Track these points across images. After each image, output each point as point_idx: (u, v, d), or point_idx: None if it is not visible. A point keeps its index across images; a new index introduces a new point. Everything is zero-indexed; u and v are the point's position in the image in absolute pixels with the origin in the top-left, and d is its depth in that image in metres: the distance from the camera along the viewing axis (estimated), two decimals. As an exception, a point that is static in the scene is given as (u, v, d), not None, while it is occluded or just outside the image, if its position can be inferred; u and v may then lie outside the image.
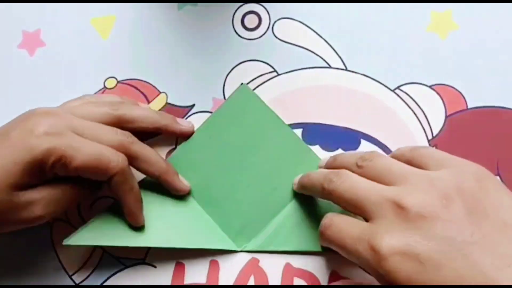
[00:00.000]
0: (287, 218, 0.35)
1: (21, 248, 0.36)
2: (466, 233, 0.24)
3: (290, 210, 0.35)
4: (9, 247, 0.36)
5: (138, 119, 0.34)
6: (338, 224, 0.28)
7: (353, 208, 0.28)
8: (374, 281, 0.27)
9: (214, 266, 0.36)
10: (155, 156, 0.34)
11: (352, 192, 0.28)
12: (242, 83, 0.38)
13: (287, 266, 0.35)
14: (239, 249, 0.36)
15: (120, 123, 0.33)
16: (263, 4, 0.39)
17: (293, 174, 0.35)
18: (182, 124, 0.37)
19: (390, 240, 0.24)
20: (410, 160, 0.29)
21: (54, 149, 0.29)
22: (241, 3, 0.39)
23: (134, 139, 0.33)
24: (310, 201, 0.35)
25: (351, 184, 0.28)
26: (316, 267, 0.35)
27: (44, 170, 0.30)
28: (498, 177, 0.36)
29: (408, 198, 0.25)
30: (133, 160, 0.33)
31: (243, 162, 0.36)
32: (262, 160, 0.36)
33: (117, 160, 0.31)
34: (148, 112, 0.35)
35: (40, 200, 0.31)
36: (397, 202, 0.25)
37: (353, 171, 0.29)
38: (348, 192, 0.28)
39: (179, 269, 0.36)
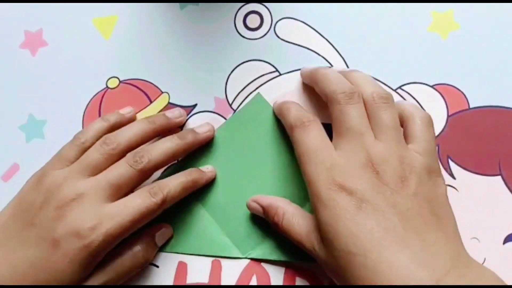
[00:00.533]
0: None
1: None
2: (404, 208, 0.28)
3: None
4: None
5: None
6: (312, 134, 0.32)
7: (339, 128, 0.32)
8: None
9: (216, 266, 0.36)
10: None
11: (350, 119, 0.31)
12: (258, 93, 0.38)
13: (289, 265, 0.35)
14: (243, 256, 0.36)
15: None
16: (265, 4, 0.39)
17: (302, 185, 0.35)
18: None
19: (350, 182, 0.29)
20: (406, 119, 0.33)
21: (106, 236, 0.31)
22: (243, 3, 0.39)
23: (144, 157, 0.33)
24: None
25: (356, 111, 0.31)
26: (318, 267, 0.35)
27: (101, 256, 0.31)
28: (499, 177, 0.36)
29: (380, 164, 0.29)
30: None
31: (253, 169, 0.36)
32: (272, 169, 0.36)
33: (155, 201, 0.32)
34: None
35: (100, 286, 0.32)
36: (372, 159, 0.30)
37: (367, 97, 0.32)
38: (348, 116, 0.31)
39: (181, 269, 0.36)
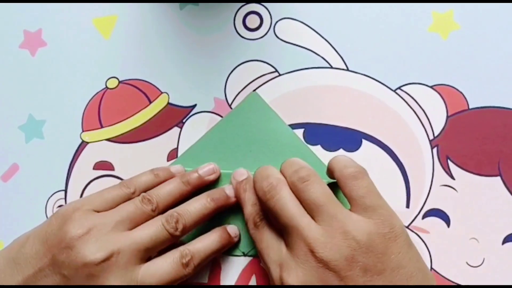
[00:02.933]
0: None
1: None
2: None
3: None
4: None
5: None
6: (264, 235, 0.32)
7: (278, 224, 0.31)
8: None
9: (216, 266, 0.36)
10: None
11: (281, 213, 0.31)
12: (254, 91, 0.38)
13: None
14: (242, 254, 0.36)
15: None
16: (265, 4, 0.39)
17: None
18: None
19: (295, 279, 0.29)
20: (343, 187, 0.31)
21: None
22: (243, 4, 0.39)
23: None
24: None
25: (282, 204, 0.31)
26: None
27: None
28: (499, 177, 0.36)
29: (322, 248, 0.29)
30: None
31: (249, 168, 0.36)
32: (258, 161, 0.36)
33: (187, 272, 0.32)
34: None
35: None
36: (312, 247, 0.29)
37: (289, 183, 0.32)
38: (278, 211, 0.31)
39: (181, 269, 0.36)
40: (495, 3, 0.37)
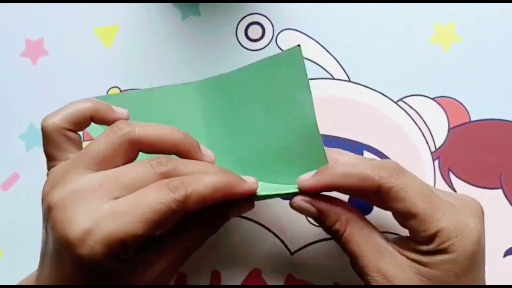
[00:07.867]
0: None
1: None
2: None
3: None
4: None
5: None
6: None
7: None
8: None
9: (216, 277, 0.36)
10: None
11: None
12: (299, 45, 0.30)
13: (289, 277, 0.35)
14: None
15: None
16: (267, 15, 0.39)
17: (289, 146, 0.32)
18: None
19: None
20: None
21: (105, 242, 0.23)
22: (245, 14, 0.39)
23: (172, 162, 0.26)
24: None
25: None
26: (318, 279, 0.35)
27: (109, 271, 0.25)
28: (500, 190, 0.36)
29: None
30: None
31: (253, 118, 0.33)
32: (270, 125, 0.32)
33: (174, 198, 0.25)
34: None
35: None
36: None
37: None
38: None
39: (180, 279, 0.36)
40: (498, 11, 0.37)
